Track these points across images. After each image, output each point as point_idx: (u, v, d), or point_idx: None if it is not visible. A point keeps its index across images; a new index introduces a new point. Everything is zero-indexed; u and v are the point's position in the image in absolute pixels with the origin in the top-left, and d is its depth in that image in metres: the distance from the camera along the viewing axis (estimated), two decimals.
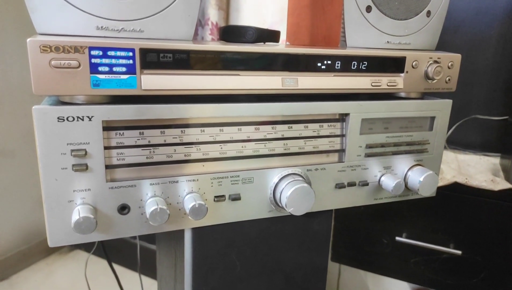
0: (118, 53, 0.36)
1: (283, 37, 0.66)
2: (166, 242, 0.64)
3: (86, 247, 1.60)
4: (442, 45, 0.98)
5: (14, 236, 1.48)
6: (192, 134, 0.42)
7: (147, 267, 1.29)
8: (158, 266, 0.77)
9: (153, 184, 0.41)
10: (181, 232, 0.47)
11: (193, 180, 0.43)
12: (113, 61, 0.36)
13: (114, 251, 1.37)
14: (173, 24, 0.41)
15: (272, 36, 0.53)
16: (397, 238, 0.88)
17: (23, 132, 1.43)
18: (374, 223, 0.91)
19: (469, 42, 0.98)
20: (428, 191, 0.51)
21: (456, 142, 1.00)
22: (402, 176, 0.53)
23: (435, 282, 0.89)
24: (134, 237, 1.23)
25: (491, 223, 0.81)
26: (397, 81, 0.49)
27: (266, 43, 0.54)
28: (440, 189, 0.81)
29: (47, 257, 1.59)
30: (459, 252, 0.83)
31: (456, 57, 0.51)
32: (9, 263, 1.46)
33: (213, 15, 1.14)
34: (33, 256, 1.55)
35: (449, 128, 0.98)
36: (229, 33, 0.51)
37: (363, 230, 0.94)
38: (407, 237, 0.88)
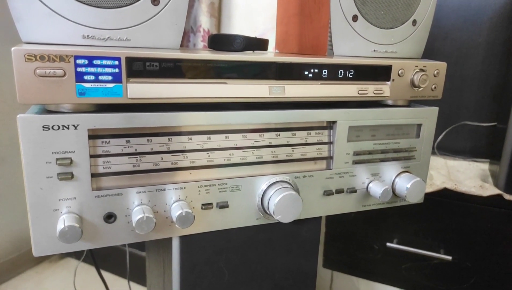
0: (104, 62, 0.36)
1: (273, 45, 0.66)
2: (155, 250, 0.64)
3: (77, 255, 1.59)
4: (431, 52, 0.99)
5: (3, 244, 1.46)
6: (179, 142, 0.42)
7: (137, 274, 1.28)
8: (148, 274, 0.76)
9: (140, 192, 0.41)
10: (169, 240, 0.47)
11: (180, 188, 0.42)
12: (99, 69, 0.36)
13: (104, 258, 1.36)
14: (160, 32, 0.42)
15: (260, 44, 0.54)
16: (388, 244, 0.89)
17: (14, 139, 1.41)
18: (365, 229, 0.92)
19: (457, 49, 0.99)
20: (416, 198, 0.52)
21: (445, 148, 1.01)
22: (390, 183, 0.53)
23: (426, 287, 0.89)
24: (124, 244, 1.22)
25: (480, 229, 0.81)
26: (384, 89, 0.49)
27: (255, 51, 0.54)
28: (430, 195, 0.81)
29: (37, 265, 1.57)
30: (449, 257, 0.83)
31: (442, 65, 0.52)
32: None
33: (205, 22, 1.15)
34: (23, 264, 1.53)
35: (438, 135, 0.99)
36: (217, 41, 0.52)
37: (355, 236, 0.94)
38: (397, 243, 0.88)
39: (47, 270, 1.55)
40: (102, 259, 1.36)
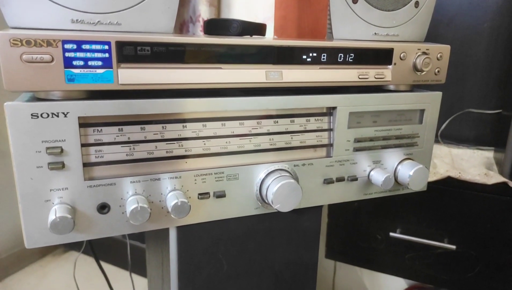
0: (93, 47, 0.35)
1: (272, 32, 0.64)
2: (153, 240, 0.63)
3: (80, 247, 1.59)
4: (435, 38, 0.97)
5: (7, 238, 1.47)
6: (174, 130, 0.41)
7: (139, 266, 1.28)
8: (148, 266, 0.76)
9: (134, 182, 0.40)
10: (167, 230, 0.46)
11: (176, 177, 0.41)
12: (88, 54, 0.35)
13: (105, 250, 1.36)
14: (152, 16, 0.40)
15: (258, 29, 0.52)
16: (391, 234, 0.87)
17: None
18: (368, 219, 0.91)
19: (462, 35, 0.97)
20: (419, 186, 0.50)
21: (449, 136, 1.00)
22: (392, 170, 0.52)
23: (430, 277, 0.88)
24: (125, 236, 1.22)
25: (485, 217, 0.80)
26: (385, 73, 0.48)
27: (253, 36, 0.53)
28: (433, 184, 0.80)
29: (41, 258, 1.57)
30: (453, 247, 0.82)
31: (445, 48, 0.50)
32: (2, 266, 1.44)
33: (204, 12, 1.13)
34: (27, 258, 1.53)
35: (442, 122, 0.97)
36: (214, 26, 0.50)
37: (357, 227, 0.93)
38: (401, 233, 0.87)
39: (51, 263, 1.55)
40: (104, 251, 1.36)
